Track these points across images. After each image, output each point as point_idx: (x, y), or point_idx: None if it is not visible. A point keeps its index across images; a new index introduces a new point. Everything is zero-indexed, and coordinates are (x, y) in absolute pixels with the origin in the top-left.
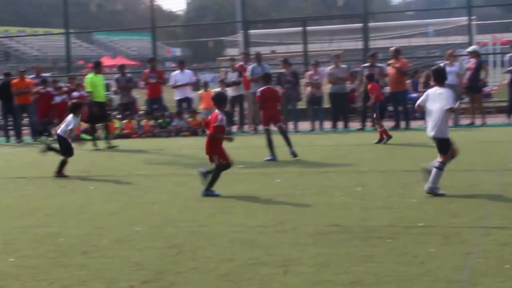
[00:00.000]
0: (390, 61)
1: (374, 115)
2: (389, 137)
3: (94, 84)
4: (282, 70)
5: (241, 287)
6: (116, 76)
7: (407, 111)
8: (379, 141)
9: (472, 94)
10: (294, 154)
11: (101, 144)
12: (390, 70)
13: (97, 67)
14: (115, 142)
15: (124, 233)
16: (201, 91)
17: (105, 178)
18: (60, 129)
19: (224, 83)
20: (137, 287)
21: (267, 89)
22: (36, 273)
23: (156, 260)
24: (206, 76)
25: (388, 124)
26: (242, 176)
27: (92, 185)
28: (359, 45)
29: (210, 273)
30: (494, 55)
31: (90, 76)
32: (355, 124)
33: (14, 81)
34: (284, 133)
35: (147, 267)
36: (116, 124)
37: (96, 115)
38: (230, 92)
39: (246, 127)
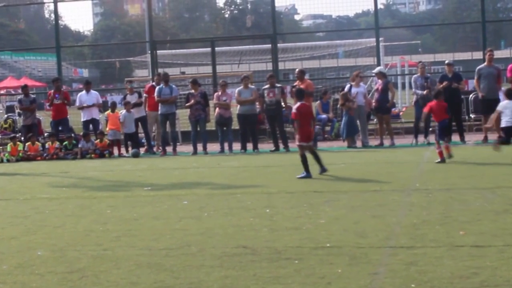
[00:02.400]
0: (295, 83)
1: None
2: (450, 155)
3: None
4: (191, 91)
5: None
6: (19, 97)
7: (314, 132)
8: (441, 161)
9: (381, 115)
10: (324, 170)
11: None
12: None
13: None
14: (14, 165)
15: (25, 258)
16: (107, 112)
17: (6, 201)
18: None
19: (129, 105)
20: None
21: (302, 106)
22: None
23: (57, 286)
24: (114, 98)
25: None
26: (149, 198)
27: None
28: (269, 66)
29: None
30: (403, 76)
31: None
32: (264, 146)
33: None
34: (314, 152)
35: None
36: (19, 146)
37: None
38: (134, 114)
39: (154, 149)
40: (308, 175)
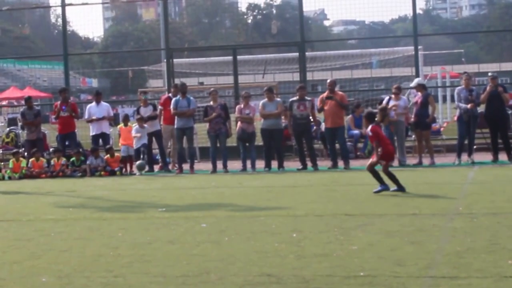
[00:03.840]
0: (325, 94)
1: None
2: None
3: None
4: (210, 103)
5: None
6: (22, 109)
7: (346, 149)
8: None
9: (420, 131)
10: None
11: None
12: (327, 105)
13: None
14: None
15: (28, 285)
16: (120, 126)
17: (8, 223)
18: None
19: (142, 119)
20: None
21: (376, 127)
22: None
23: None
24: (126, 110)
25: (324, 163)
26: (164, 220)
27: None
28: (295, 76)
29: None
30: (444, 88)
31: None
32: (290, 164)
33: None
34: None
35: None
36: (23, 163)
37: None
38: (147, 128)
39: (170, 166)
40: (385, 188)
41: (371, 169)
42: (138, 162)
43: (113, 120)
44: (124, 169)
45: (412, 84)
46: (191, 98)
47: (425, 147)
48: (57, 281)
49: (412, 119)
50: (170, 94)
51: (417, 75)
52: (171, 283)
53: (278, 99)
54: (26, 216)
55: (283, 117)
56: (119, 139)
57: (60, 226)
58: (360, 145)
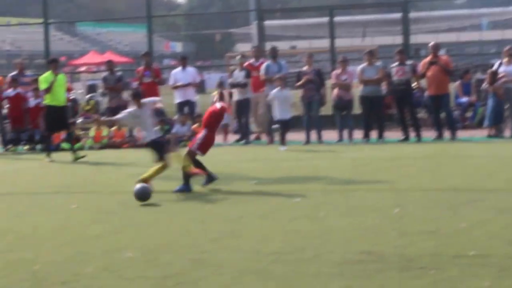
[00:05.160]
0: (428, 59)
1: None
2: None
3: (49, 83)
4: (304, 68)
5: None
6: (104, 74)
7: (452, 118)
8: None
9: None
10: None
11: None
12: (430, 70)
13: (54, 64)
14: (98, 153)
15: (111, 260)
16: (215, 93)
17: (90, 195)
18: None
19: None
20: None
21: None
22: None
23: None
24: (212, 76)
25: (428, 134)
26: (255, 194)
27: (73, 203)
28: (397, 39)
29: None
30: None
31: (45, 75)
32: (391, 134)
33: None
34: None
35: None
36: (104, 132)
37: (54, 122)
38: (235, 95)
39: (252, 137)
40: None
41: None
42: (274, 126)
43: (200, 87)
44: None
45: None
46: (283, 62)
47: None
48: (142, 257)
49: None
50: (252, 60)
51: None
52: (264, 260)
53: (379, 63)
54: (108, 188)
55: (383, 83)
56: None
57: None
58: (468, 114)
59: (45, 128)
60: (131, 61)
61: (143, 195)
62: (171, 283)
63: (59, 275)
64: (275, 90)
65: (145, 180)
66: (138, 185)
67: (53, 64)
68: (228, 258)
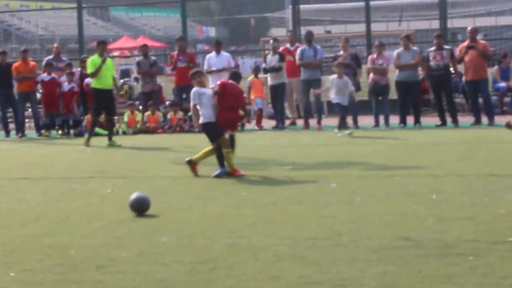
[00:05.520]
0: (466, 44)
1: None
2: None
3: (96, 67)
4: (339, 53)
5: None
6: (138, 59)
7: (490, 103)
8: None
9: None
10: None
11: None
12: (468, 55)
13: (102, 47)
14: (132, 138)
15: (147, 244)
16: (251, 77)
17: (124, 180)
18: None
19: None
20: None
21: None
22: None
23: (185, 277)
24: (246, 61)
25: (466, 119)
26: (290, 179)
27: (108, 188)
28: (434, 24)
29: None
30: None
31: (93, 57)
32: (428, 119)
33: (15, 64)
34: None
35: (175, 285)
36: (138, 116)
37: (101, 105)
38: (270, 80)
39: (287, 123)
40: None
41: None
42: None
43: None
44: (257, 124)
45: None
46: (318, 47)
47: None
48: (177, 241)
49: None
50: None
51: None
52: (300, 246)
53: (415, 48)
54: (143, 173)
55: (420, 68)
56: (249, 92)
57: (179, 184)
58: (506, 99)
59: (93, 112)
60: (164, 46)
61: (139, 206)
62: (206, 268)
63: (94, 260)
64: (333, 77)
65: (194, 162)
66: (136, 195)
67: (100, 46)
68: (263, 244)
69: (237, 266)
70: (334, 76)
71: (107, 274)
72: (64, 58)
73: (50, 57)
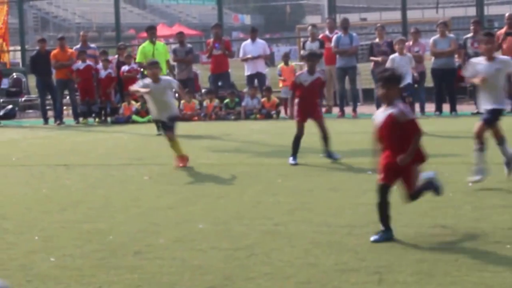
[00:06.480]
0: (504, 30)
1: None
2: None
3: (147, 55)
4: (376, 40)
5: None
6: (174, 46)
7: None
8: None
9: None
10: None
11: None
12: (505, 42)
13: (151, 32)
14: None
15: (184, 231)
16: (281, 65)
17: (161, 167)
18: None
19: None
20: None
21: None
22: (80, 276)
23: (222, 264)
24: (281, 49)
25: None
26: (325, 167)
27: (145, 175)
28: (470, 11)
29: (288, 279)
30: None
31: (144, 45)
32: (464, 107)
33: (54, 52)
34: None
35: (212, 271)
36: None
37: None
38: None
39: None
40: None
41: None
42: None
43: (269, 59)
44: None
45: None
46: (354, 34)
47: None
48: (214, 228)
49: None
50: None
51: None
52: (336, 233)
53: (452, 35)
54: None
55: (456, 55)
56: (279, 80)
57: (215, 171)
58: None
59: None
60: (199, 34)
61: None
62: (243, 254)
63: (132, 246)
64: (394, 56)
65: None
66: None
67: (150, 31)
68: (300, 231)
69: (274, 253)
70: (396, 54)
71: (145, 260)
72: (92, 45)
73: (78, 46)
